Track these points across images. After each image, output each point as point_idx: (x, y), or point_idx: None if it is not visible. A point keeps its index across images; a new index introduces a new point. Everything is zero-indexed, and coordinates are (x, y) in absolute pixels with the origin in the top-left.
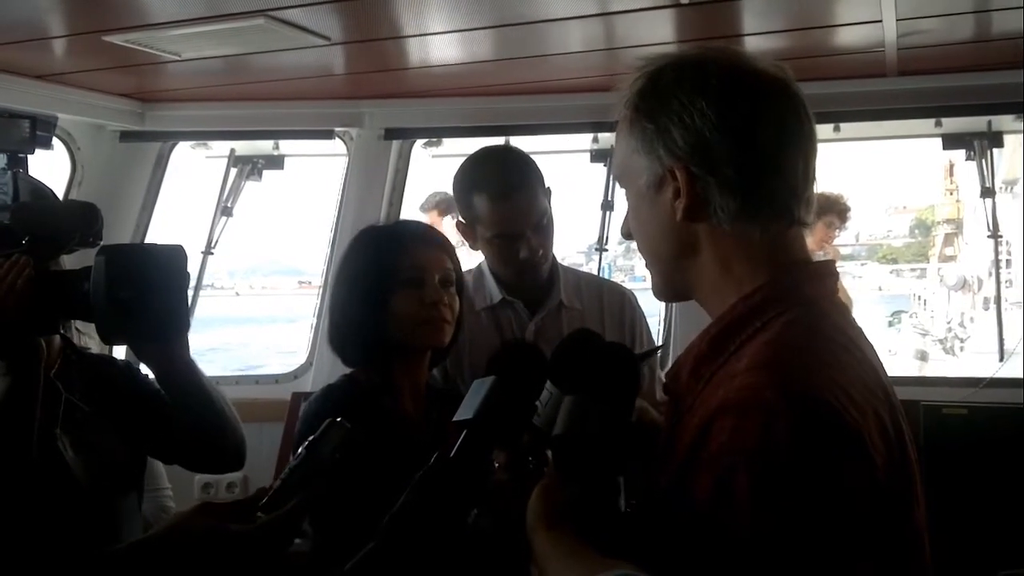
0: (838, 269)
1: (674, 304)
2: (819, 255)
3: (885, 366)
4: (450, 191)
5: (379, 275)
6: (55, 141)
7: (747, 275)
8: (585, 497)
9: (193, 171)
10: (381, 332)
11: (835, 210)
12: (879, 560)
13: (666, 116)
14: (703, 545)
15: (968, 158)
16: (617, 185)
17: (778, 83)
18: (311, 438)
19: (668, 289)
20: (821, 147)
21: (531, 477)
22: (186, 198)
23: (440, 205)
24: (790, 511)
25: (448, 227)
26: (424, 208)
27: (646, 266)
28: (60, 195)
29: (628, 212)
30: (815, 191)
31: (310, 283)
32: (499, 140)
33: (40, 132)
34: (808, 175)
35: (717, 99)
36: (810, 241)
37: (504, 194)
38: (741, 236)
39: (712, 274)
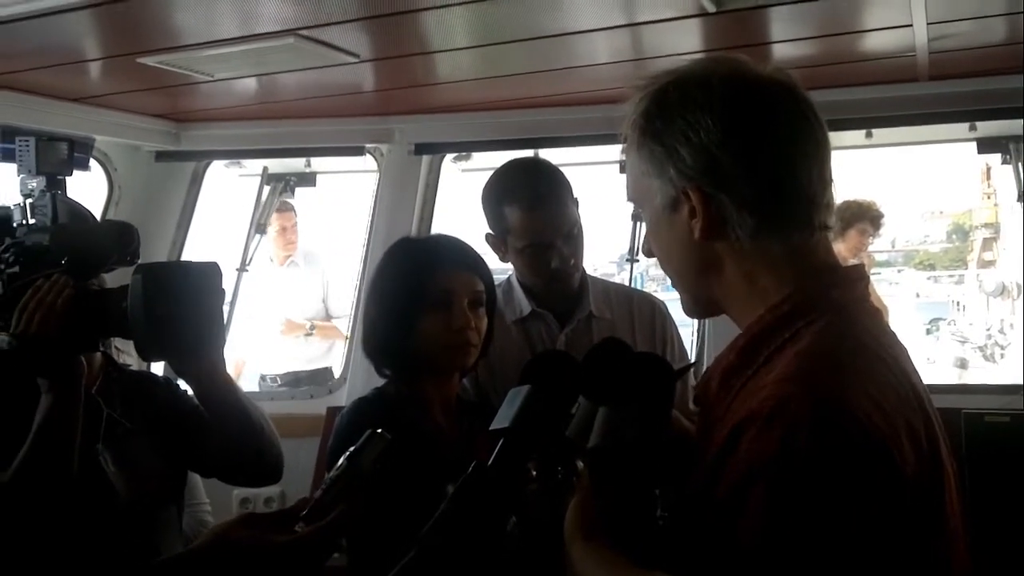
0: (872, 275)
1: None
2: (852, 262)
3: (920, 372)
4: None
5: (408, 295)
6: (92, 162)
7: (773, 286)
8: (622, 508)
9: (227, 189)
10: (409, 349)
11: (868, 217)
12: (905, 572)
13: (673, 137)
14: (721, 554)
15: (1004, 162)
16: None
17: (785, 90)
18: (352, 448)
19: (697, 306)
20: (854, 154)
21: (560, 488)
22: (220, 216)
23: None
24: (805, 521)
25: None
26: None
27: (672, 285)
28: (98, 216)
29: (647, 232)
30: (835, 195)
31: None
32: (528, 153)
33: (78, 154)
34: (824, 180)
35: (723, 115)
36: (844, 248)
37: (535, 204)
38: (763, 250)
39: (738, 288)
